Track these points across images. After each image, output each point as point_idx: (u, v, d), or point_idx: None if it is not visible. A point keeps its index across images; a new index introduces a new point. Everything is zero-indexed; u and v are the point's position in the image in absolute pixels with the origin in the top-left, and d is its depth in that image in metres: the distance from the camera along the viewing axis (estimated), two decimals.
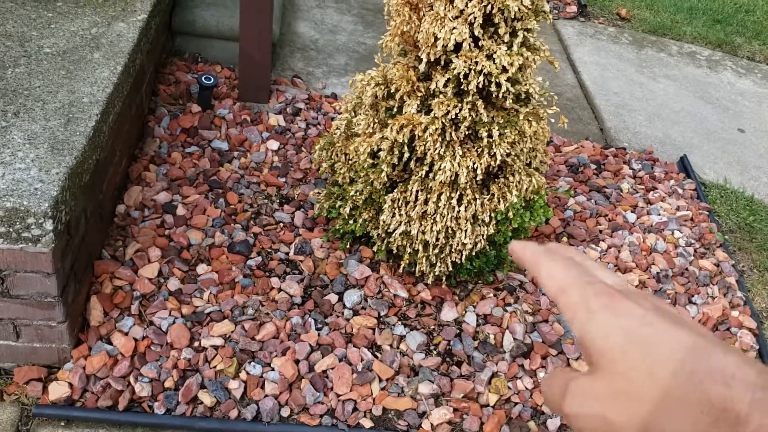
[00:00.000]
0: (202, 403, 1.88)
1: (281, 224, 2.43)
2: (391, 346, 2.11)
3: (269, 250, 2.31)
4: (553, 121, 2.37)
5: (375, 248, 2.24)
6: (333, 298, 2.19)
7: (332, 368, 2.00)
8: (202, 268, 2.19)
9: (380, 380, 2.01)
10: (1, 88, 1.89)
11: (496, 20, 1.93)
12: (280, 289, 2.18)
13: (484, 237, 2.11)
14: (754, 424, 0.33)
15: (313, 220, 2.46)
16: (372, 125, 2.13)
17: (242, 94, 2.95)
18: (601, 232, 2.65)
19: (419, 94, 2.07)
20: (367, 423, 1.92)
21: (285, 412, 1.90)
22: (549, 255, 0.45)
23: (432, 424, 1.94)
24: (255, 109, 2.92)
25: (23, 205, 1.57)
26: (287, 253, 2.31)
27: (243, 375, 1.94)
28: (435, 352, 2.12)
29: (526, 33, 2.00)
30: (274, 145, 2.73)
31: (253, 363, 1.97)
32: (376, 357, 2.07)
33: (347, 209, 2.21)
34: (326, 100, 3.15)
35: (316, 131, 2.89)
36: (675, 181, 3.14)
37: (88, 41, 2.16)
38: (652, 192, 2.98)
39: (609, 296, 0.40)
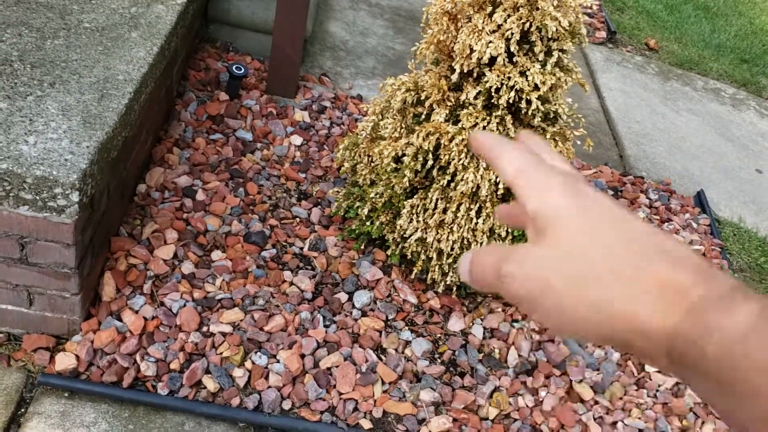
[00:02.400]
0: (205, 387, 1.89)
1: (298, 219, 2.44)
2: (396, 350, 2.12)
3: (284, 244, 2.33)
4: (579, 143, 2.38)
5: (389, 252, 2.25)
6: (343, 297, 2.20)
7: (336, 366, 2.01)
8: (216, 255, 2.20)
9: (383, 383, 2.02)
10: (40, 58, 1.91)
11: (533, 38, 1.95)
12: (291, 283, 2.19)
13: None
14: (695, 296, 0.35)
15: (329, 218, 2.47)
16: (398, 130, 2.14)
17: (270, 87, 2.97)
18: None
19: (449, 104, 2.08)
20: (366, 424, 1.92)
21: (286, 405, 1.91)
22: (509, 143, 0.46)
23: None
24: (281, 103, 2.94)
25: (52, 175, 1.58)
26: (301, 248, 2.33)
27: (248, 364, 1.96)
28: (439, 361, 2.13)
29: (561, 53, 2.01)
30: (297, 140, 2.75)
31: (259, 353, 1.98)
32: (381, 359, 2.07)
33: (365, 210, 2.22)
34: (352, 100, 3.16)
35: (340, 131, 2.91)
36: (690, 215, 3.14)
37: (127, 20, 2.18)
38: (666, 224, 2.99)
39: (571, 177, 0.41)
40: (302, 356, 2.00)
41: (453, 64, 2.04)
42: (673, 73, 4.67)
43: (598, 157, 3.49)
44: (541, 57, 1.99)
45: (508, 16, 1.93)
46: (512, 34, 1.93)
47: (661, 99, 4.28)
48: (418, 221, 2.13)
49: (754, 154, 4.00)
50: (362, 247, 2.37)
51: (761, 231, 3.33)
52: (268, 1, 3.10)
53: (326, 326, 2.11)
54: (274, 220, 2.39)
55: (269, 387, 1.93)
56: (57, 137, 1.68)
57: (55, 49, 1.96)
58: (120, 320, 1.95)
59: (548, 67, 1.99)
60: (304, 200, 2.53)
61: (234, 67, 2.76)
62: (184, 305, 2.03)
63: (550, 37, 1.97)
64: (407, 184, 2.11)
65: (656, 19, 5.28)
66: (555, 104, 2.07)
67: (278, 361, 1.98)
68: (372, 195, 2.19)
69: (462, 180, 2.03)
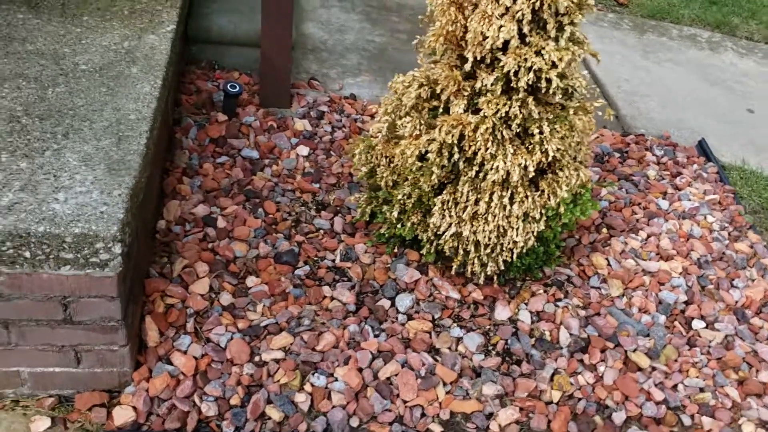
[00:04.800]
0: (270, 418, 1.85)
1: (322, 231, 2.40)
2: (449, 348, 2.09)
3: (315, 258, 2.28)
4: (600, 114, 2.36)
5: (423, 251, 2.22)
6: (386, 303, 2.17)
7: (396, 375, 1.98)
8: (251, 281, 2.16)
9: (444, 384, 1.99)
10: (45, 109, 1.84)
11: (545, 16, 1.92)
12: (332, 298, 2.16)
13: (534, 234, 2.11)
14: None
15: (352, 225, 2.43)
16: (418, 127, 2.10)
17: (264, 100, 2.91)
18: (638, 221, 2.66)
19: (465, 94, 2.05)
20: (436, 428, 1.90)
21: (354, 422, 1.88)
22: None
23: (500, 425, 1.93)
24: (279, 115, 2.88)
25: (92, 230, 1.53)
26: (333, 261, 2.29)
27: (308, 387, 1.92)
28: (494, 352, 2.11)
29: (572, 27, 1.98)
30: (304, 150, 2.70)
31: (316, 374, 1.94)
32: (437, 360, 2.05)
33: (395, 213, 2.18)
34: (346, 101, 3.11)
35: (342, 134, 2.86)
36: (698, 165, 3.16)
37: (122, 56, 2.11)
38: (678, 177, 3.00)
39: None
40: (360, 370, 1.97)
41: (465, 53, 2.00)
42: (648, 25, 4.69)
43: (596, 122, 3.48)
44: (552, 33, 1.97)
45: None
46: (523, 15, 1.90)
47: (642, 53, 4.29)
48: (450, 216, 2.10)
49: (742, 95, 4.03)
50: (394, 250, 2.33)
51: (765, 170, 3.36)
52: (248, 14, 3.03)
53: (376, 336, 2.08)
54: (300, 236, 2.35)
55: (334, 407, 1.89)
56: (86, 190, 1.62)
57: (58, 97, 1.89)
58: (170, 364, 1.90)
59: (562, 43, 1.97)
60: (323, 211, 2.49)
61: (228, 86, 2.70)
62: (231, 338, 1.98)
63: (560, 12, 1.94)
64: (435, 181, 2.08)
65: None
66: (572, 79, 2.04)
67: (336, 380, 1.95)
68: (399, 196, 2.15)
69: (492, 169, 2.00)
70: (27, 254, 1.53)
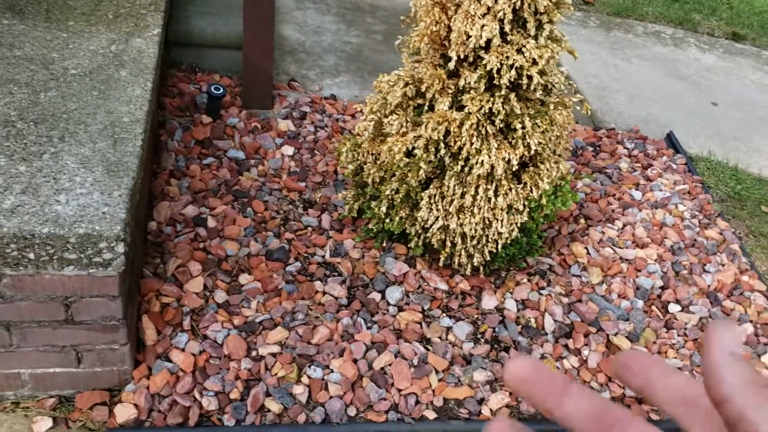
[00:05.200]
0: (269, 411, 1.90)
1: (310, 228, 2.45)
2: (440, 338, 2.16)
3: (305, 255, 2.34)
4: (578, 108, 2.46)
5: (412, 244, 2.29)
6: (376, 296, 2.23)
7: (389, 364, 2.04)
8: (244, 278, 2.20)
9: (436, 372, 2.06)
10: (40, 114, 1.86)
11: (525, 15, 2.00)
12: (324, 293, 2.21)
13: (518, 225, 2.19)
14: None
15: (340, 222, 2.49)
16: (405, 125, 2.17)
17: (246, 102, 2.95)
18: (613, 211, 2.76)
19: (449, 91, 2.12)
20: (430, 414, 1.97)
21: (351, 412, 1.94)
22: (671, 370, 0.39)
23: (491, 410, 2.01)
24: (262, 116, 2.92)
25: (95, 230, 1.56)
26: (323, 257, 2.34)
27: (305, 379, 1.97)
28: (483, 340, 2.18)
29: (550, 25, 2.07)
30: (289, 150, 2.75)
31: (312, 366, 2.00)
32: (428, 350, 2.12)
33: (383, 208, 2.25)
34: (327, 101, 3.17)
35: (325, 133, 2.91)
36: (667, 157, 3.28)
37: (111, 59, 2.13)
38: (649, 169, 3.11)
39: None
40: (355, 361, 2.03)
41: (448, 52, 2.07)
42: (613, 22, 4.82)
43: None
44: (532, 32, 2.05)
45: None
46: (504, 14, 1.98)
47: (609, 50, 4.42)
48: (438, 210, 2.16)
49: (706, 89, 4.18)
50: (382, 245, 2.40)
51: (731, 161, 3.50)
52: (227, 17, 3.07)
53: (369, 328, 2.14)
54: (289, 233, 2.40)
55: (331, 397, 1.95)
56: (86, 191, 1.65)
57: (51, 101, 1.92)
58: (169, 361, 1.94)
59: (541, 41, 2.05)
60: (310, 208, 2.54)
61: (212, 88, 2.73)
62: (228, 334, 2.02)
63: (539, 11, 2.02)
64: (423, 176, 2.14)
65: None
66: (551, 75, 2.13)
67: (333, 371, 2.00)
68: (387, 192, 2.21)
69: (477, 163, 2.07)
70: (31, 255, 1.56)
